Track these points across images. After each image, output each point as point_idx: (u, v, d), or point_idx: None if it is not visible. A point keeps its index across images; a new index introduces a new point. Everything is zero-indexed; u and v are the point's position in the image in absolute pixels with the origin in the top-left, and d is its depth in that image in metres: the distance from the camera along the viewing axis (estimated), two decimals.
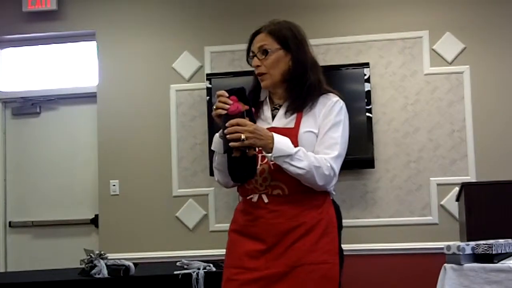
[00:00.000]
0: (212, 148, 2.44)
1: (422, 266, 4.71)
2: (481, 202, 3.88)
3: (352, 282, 4.48)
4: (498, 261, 2.90)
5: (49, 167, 5.44)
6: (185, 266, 3.71)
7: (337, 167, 2.36)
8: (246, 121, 2.22)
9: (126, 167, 5.20)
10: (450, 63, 4.94)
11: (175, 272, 3.58)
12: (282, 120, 2.42)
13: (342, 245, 2.46)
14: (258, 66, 2.44)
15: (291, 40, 2.44)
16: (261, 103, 2.52)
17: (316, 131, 2.39)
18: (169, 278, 3.58)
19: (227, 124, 2.21)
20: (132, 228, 5.15)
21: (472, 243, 2.95)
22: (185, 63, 5.21)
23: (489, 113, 4.87)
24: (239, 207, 2.50)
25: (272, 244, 2.35)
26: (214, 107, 2.29)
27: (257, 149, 2.27)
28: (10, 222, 5.45)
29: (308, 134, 2.37)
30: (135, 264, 3.72)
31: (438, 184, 4.87)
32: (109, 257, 3.80)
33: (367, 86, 4.87)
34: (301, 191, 2.36)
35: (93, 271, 3.63)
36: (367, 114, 4.86)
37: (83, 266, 3.74)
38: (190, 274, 3.54)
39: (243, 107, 2.25)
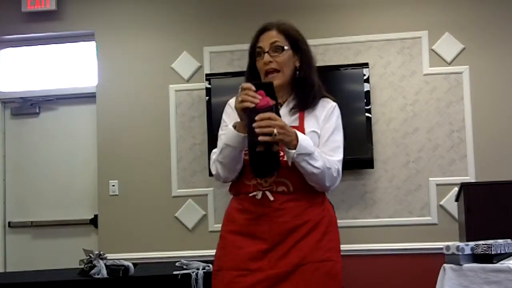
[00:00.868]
0: (225, 142, 2.35)
1: (421, 266, 4.71)
2: (480, 202, 3.88)
3: (351, 282, 4.48)
4: (497, 261, 2.90)
5: (49, 167, 5.44)
6: (184, 266, 3.71)
7: (341, 170, 2.41)
8: (276, 116, 2.21)
9: (125, 167, 5.20)
10: (449, 64, 4.94)
11: (174, 272, 3.57)
12: (284, 119, 2.42)
13: (341, 245, 2.46)
14: (269, 62, 2.41)
15: (300, 41, 2.47)
16: None
17: (318, 131, 2.43)
18: (168, 278, 3.58)
19: (257, 118, 2.18)
20: (132, 228, 5.15)
21: (472, 243, 2.95)
22: (184, 63, 5.22)
23: (488, 113, 4.87)
24: (236, 205, 2.46)
25: (275, 243, 2.34)
26: (240, 99, 2.23)
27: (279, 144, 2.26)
28: (9, 223, 5.45)
29: (313, 134, 2.40)
30: (135, 264, 3.72)
31: (437, 184, 4.87)
32: (108, 257, 3.79)
33: (366, 86, 4.87)
34: (305, 188, 2.37)
35: (93, 271, 3.63)
36: (366, 114, 4.86)
37: (82, 266, 3.74)
38: (189, 274, 3.54)
39: (272, 102, 2.23)
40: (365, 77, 4.88)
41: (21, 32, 5.45)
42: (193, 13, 5.26)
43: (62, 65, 5.53)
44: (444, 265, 2.95)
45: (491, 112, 4.87)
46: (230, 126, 2.35)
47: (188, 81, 5.21)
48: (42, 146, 5.47)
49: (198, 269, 3.58)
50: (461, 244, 2.93)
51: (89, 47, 5.44)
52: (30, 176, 5.46)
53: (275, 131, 2.17)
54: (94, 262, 3.67)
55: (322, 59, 4.91)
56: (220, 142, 2.41)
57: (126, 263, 3.66)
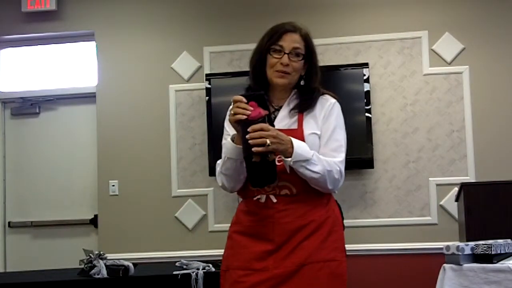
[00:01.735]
0: (224, 154, 2.39)
1: (421, 266, 4.71)
2: (480, 202, 3.89)
3: (351, 282, 4.47)
4: (497, 261, 2.90)
5: (49, 167, 5.44)
6: (184, 266, 3.71)
7: (344, 170, 2.40)
8: (269, 126, 2.22)
9: (126, 168, 5.20)
10: (449, 63, 4.94)
11: (174, 272, 3.58)
12: (283, 121, 2.43)
13: None
14: (287, 65, 2.41)
15: (313, 54, 2.48)
16: None
17: (318, 132, 2.42)
18: (168, 278, 3.58)
19: (249, 129, 2.19)
20: (132, 228, 5.15)
21: (471, 243, 2.95)
22: (184, 63, 5.21)
23: (488, 113, 4.87)
24: (242, 207, 2.48)
25: (280, 244, 2.34)
26: (232, 112, 2.25)
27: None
28: (9, 223, 5.45)
29: (312, 136, 2.40)
30: (134, 264, 3.72)
31: (437, 184, 4.87)
32: (108, 257, 3.80)
33: (366, 86, 4.87)
34: (309, 190, 2.37)
35: (93, 271, 3.63)
36: (366, 114, 4.86)
37: (82, 266, 3.74)
38: (189, 274, 3.54)
39: (264, 112, 2.24)
40: (365, 77, 4.88)
41: (21, 32, 5.45)
42: (193, 13, 5.26)
43: (62, 65, 5.53)
44: (444, 265, 2.95)
45: (491, 112, 4.87)
46: (229, 139, 2.37)
47: (188, 81, 5.21)
48: (42, 146, 5.47)
49: (198, 269, 3.58)
50: (461, 244, 2.93)
51: (89, 47, 5.44)
52: (30, 176, 5.46)
53: (268, 141, 2.18)
54: (94, 262, 3.67)
55: (322, 59, 4.82)
56: (223, 153, 2.42)
57: (126, 263, 3.66)
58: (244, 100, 2.24)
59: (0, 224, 5.44)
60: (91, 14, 5.36)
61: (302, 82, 2.48)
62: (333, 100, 2.49)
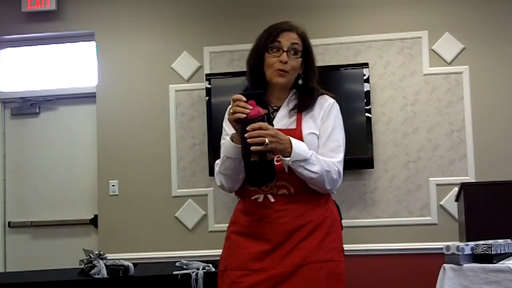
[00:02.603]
0: (223, 153, 2.39)
1: (421, 266, 4.71)
2: (481, 202, 3.88)
3: (351, 282, 4.47)
4: (497, 262, 2.90)
5: (49, 167, 5.44)
6: (184, 266, 3.71)
7: (342, 170, 2.40)
8: (267, 125, 2.22)
9: (126, 168, 5.20)
10: (449, 63, 4.94)
11: (174, 272, 3.57)
12: (282, 121, 2.43)
13: None
14: (286, 62, 2.41)
15: (311, 53, 2.49)
16: None
17: (317, 132, 2.42)
18: (168, 278, 3.58)
19: (248, 128, 2.19)
20: (132, 228, 5.15)
21: (472, 243, 2.95)
22: (184, 63, 5.22)
23: (488, 113, 4.87)
24: (240, 207, 2.48)
25: (278, 244, 2.34)
26: (231, 111, 2.25)
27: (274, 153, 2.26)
28: (9, 222, 5.45)
29: (311, 136, 2.40)
30: (135, 264, 3.72)
31: (437, 184, 4.87)
32: (108, 257, 3.79)
33: (366, 86, 4.87)
34: (307, 190, 2.37)
35: (92, 271, 3.63)
36: (366, 114, 4.86)
37: (82, 266, 3.74)
38: (189, 274, 3.54)
39: (263, 111, 2.24)
40: (365, 77, 4.88)
41: (21, 32, 5.45)
42: (193, 13, 5.26)
43: (62, 65, 5.53)
44: (444, 265, 2.95)
45: (491, 112, 4.87)
46: (228, 138, 2.37)
47: (188, 81, 5.21)
48: (42, 146, 5.47)
49: (198, 269, 3.58)
50: (461, 244, 2.93)
51: (89, 47, 5.44)
52: (30, 176, 5.46)
53: (267, 140, 2.18)
54: (94, 262, 3.67)
55: (322, 59, 4.91)
56: (222, 152, 2.42)
57: (126, 263, 3.66)
58: (244, 98, 2.24)
59: (0, 224, 5.44)
60: (91, 14, 5.36)
61: (300, 81, 2.48)
62: (332, 101, 2.49)
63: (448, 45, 4.94)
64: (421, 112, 4.94)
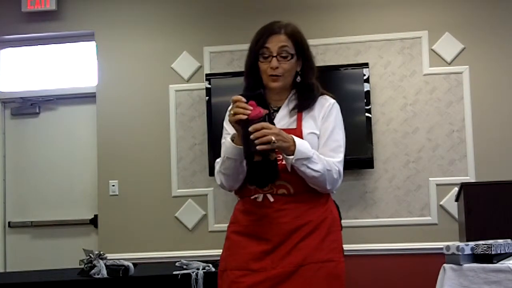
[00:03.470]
0: (223, 153, 2.39)
1: (421, 266, 4.71)
2: (481, 202, 3.88)
3: (351, 282, 4.47)
4: (498, 262, 2.89)
5: (48, 167, 5.44)
6: (184, 266, 3.72)
7: (342, 170, 2.40)
8: (270, 125, 2.22)
9: (125, 168, 5.20)
10: (449, 63, 4.94)
11: (174, 272, 3.58)
12: (283, 121, 2.43)
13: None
14: (276, 67, 2.40)
15: (305, 48, 2.46)
16: None
17: (317, 132, 2.42)
18: (168, 278, 3.58)
19: (251, 129, 2.19)
20: (132, 228, 5.15)
21: (472, 243, 2.95)
22: (184, 63, 5.21)
23: (488, 113, 4.87)
24: (240, 207, 2.48)
25: (277, 244, 2.34)
26: (232, 112, 2.24)
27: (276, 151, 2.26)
28: (9, 222, 5.45)
29: (311, 136, 2.40)
30: (134, 264, 3.72)
31: (437, 184, 4.87)
32: (108, 257, 3.80)
33: (366, 86, 4.87)
34: (306, 190, 2.37)
35: (92, 271, 3.63)
36: (366, 114, 4.86)
37: (82, 266, 3.74)
38: (189, 274, 3.54)
39: (264, 111, 2.24)
40: (365, 77, 4.88)
41: (21, 32, 5.45)
42: (193, 13, 5.26)
43: (62, 65, 5.53)
44: (444, 265, 2.94)
45: (491, 112, 4.87)
46: (228, 139, 2.36)
47: (188, 81, 5.21)
48: (42, 146, 5.47)
49: (198, 269, 3.58)
50: (461, 244, 2.93)
51: (89, 47, 5.44)
52: (30, 176, 5.46)
53: (273, 138, 2.18)
54: (94, 262, 3.68)
55: (322, 59, 4.91)
56: (222, 152, 2.42)
57: (126, 263, 3.66)
58: (244, 99, 2.24)
59: (0, 224, 5.44)
60: (91, 14, 5.36)
61: (298, 79, 2.47)
62: (333, 101, 2.48)
63: (448, 45, 4.94)
64: (421, 112, 4.94)
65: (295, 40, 2.43)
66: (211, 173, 4.93)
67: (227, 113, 2.42)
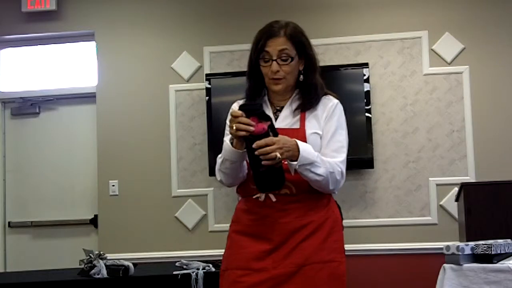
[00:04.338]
0: (222, 155, 2.40)
1: (421, 266, 4.71)
2: (481, 202, 3.88)
3: (351, 282, 4.47)
4: (498, 262, 2.89)
5: (48, 167, 5.44)
6: (184, 266, 3.72)
7: (345, 170, 2.40)
8: (273, 138, 2.21)
9: (125, 168, 5.20)
10: (449, 63, 4.94)
11: (174, 272, 3.58)
12: (286, 121, 2.43)
13: None
14: (277, 71, 2.39)
15: (306, 46, 2.45)
16: None
17: (320, 132, 2.42)
18: (168, 278, 3.59)
19: (254, 146, 2.19)
20: (132, 228, 5.15)
21: (472, 243, 2.95)
22: (184, 63, 5.21)
23: (489, 113, 4.87)
24: (241, 206, 2.48)
25: (279, 243, 2.34)
26: (234, 128, 2.22)
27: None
28: (9, 222, 5.45)
29: (314, 136, 2.40)
30: (134, 264, 3.72)
31: (437, 184, 4.87)
32: (108, 257, 3.80)
33: (366, 86, 4.87)
34: (308, 190, 2.37)
35: (92, 271, 3.63)
36: (366, 114, 4.86)
37: (82, 266, 3.74)
38: (189, 274, 3.54)
39: (266, 124, 2.24)
40: (365, 77, 4.88)
41: (21, 32, 5.45)
42: (193, 13, 5.26)
43: (62, 65, 5.53)
44: (444, 265, 2.94)
45: (491, 112, 4.87)
46: (228, 141, 2.36)
47: (188, 81, 5.21)
48: (42, 146, 5.47)
49: (198, 269, 3.58)
50: (461, 244, 2.93)
51: (89, 47, 5.44)
52: (30, 176, 5.46)
53: (278, 154, 2.18)
54: (94, 262, 3.68)
55: (322, 59, 4.84)
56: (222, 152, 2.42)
57: (126, 263, 3.66)
58: (244, 114, 2.23)
59: (0, 224, 5.44)
60: (91, 14, 5.36)
61: (301, 78, 2.46)
62: (336, 101, 2.48)
63: (448, 45, 4.94)
64: (421, 112, 4.94)
65: (295, 41, 2.41)
66: (211, 173, 4.93)
67: (228, 117, 2.38)
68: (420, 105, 4.94)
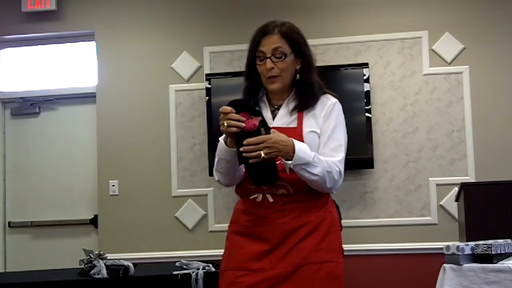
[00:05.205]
0: (217, 154, 2.40)
1: (421, 266, 4.71)
2: (481, 202, 3.88)
3: (351, 282, 4.47)
4: (497, 262, 2.90)
5: (48, 167, 5.44)
6: (184, 266, 3.71)
7: (343, 169, 2.39)
8: (263, 137, 2.21)
9: (125, 168, 5.20)
10: (449, 63, 4.94)
11: (174, 272, 3.58)
12: (283, 119, 2.43)
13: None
14: (271, 68, 2.40)
15: (302, 45, 2.45)
16: None
17: (318, 131, 2.41)
18: (168, 278, 3.58)
19: (245, 143, 2.19)
20: (132, 228, 5.15)
21: (472, 243, 2.95)
22: (184, 63, 5.22)
23: (488, 113, 4.87)
24: (239, 207, 2.49)
25: (276, 244, 2.34)
26: (225, 124, 2.23)
27: None
28: (9, 223, 5.45)
29: (312, 135, 2.39)
30: (134, 264, 3.72)
31: (437, 184, 4.87)
32: (108, 257, 3.80)
33: (366, 86, 4.87)
34: (306, 191, 2.37)
35: (92, 271, 3.63)
36: (366, 114, 4.86)
37: (82, 266, 3.74)
38: (189, 274, 3.54)
39: (257, 120, 2.23)
40: (365, 77, 4.88)
41: (21, 32, 5.45)
42: (193, 13, 5.26)
43: (62, 65, 5.53)
44: (444, 265, 2.95)
45: (491, 112, 4.87)
46: (222, 141, 2.37)
47: (188, 81, 5.21)
48: (42, 146, 5.47)
49: (198, 269, 3.58)
50: (461, 244, 2.93)
51: (89, 47, 5.44)
52: (30, 176, 5.46)
53: (262, 154, 2.18)
54: (94, 262, 3.68)
55: (322, 59, 4.91)
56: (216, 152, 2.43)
57: (126, 263, 3.66)
58: (233, 110, 2.23)
59: (0, 224, 5.44)
60: (91, 14, 5.36)
61: (297, 77, 2.46)
62: (335, 100, 2.47)
63: (448, 45, 4.94)
64: (421, 112, 4.94)
65: (289, 39, 2.41)
66: (211, 173, 4.92)
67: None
68: (420, 105, 4.94)
